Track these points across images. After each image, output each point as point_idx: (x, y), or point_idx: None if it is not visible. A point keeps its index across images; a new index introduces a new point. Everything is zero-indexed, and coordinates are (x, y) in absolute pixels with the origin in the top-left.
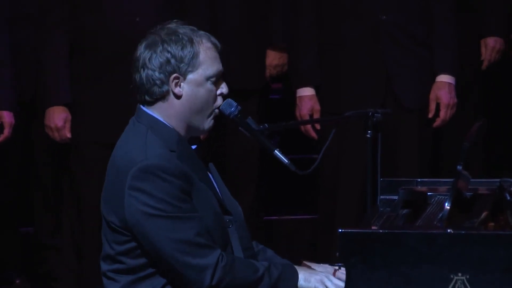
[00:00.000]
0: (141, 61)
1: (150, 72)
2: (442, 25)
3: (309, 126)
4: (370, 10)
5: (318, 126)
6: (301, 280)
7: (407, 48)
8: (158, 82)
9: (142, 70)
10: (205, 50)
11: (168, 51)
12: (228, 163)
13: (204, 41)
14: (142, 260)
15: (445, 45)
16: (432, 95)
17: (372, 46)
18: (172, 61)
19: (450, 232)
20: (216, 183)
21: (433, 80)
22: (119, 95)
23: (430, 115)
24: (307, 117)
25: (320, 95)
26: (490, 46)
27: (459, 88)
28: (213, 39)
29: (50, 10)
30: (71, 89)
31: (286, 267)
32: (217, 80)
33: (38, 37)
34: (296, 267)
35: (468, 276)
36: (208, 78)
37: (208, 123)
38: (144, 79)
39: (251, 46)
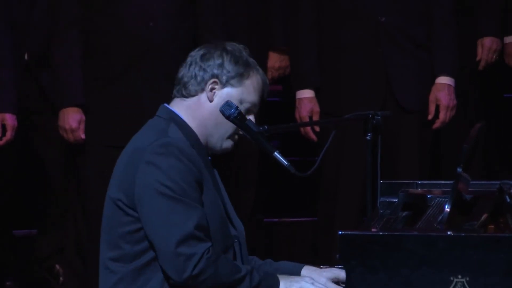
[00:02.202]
0: (193, 57)
1: (197, 67)
2: (442, 27)
3: (308, 128)
4: (370, 12)
5: (317, 128)
6: None
7: (406, 49)
8: (198, 78)
9: (190, 65)
10: (254, 80)
11: (223, 59)
12: (227, 165)
13: (259, 74)
14: (140, 247)
15: (444, 47)
16: (431, 97)
17: (371, 47)
18: (221, 67)
19: (450, 234)
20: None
21: (432, 81)
22: (129, 98)
23: (430, 117)
24: (306, 119)
25: (320, 96)
26: (487, 46)
27: (459, 90)
28: (266, 84)
29: (62, 11)
30: (84, 90)
31: (268, 275)
32: (249, 109)
33: (51, 39)
34: (279, 276)
35: (468, 278)
36: (242, 101)
37: (225, 142)
38: (188, 73)
39: (252, 48)
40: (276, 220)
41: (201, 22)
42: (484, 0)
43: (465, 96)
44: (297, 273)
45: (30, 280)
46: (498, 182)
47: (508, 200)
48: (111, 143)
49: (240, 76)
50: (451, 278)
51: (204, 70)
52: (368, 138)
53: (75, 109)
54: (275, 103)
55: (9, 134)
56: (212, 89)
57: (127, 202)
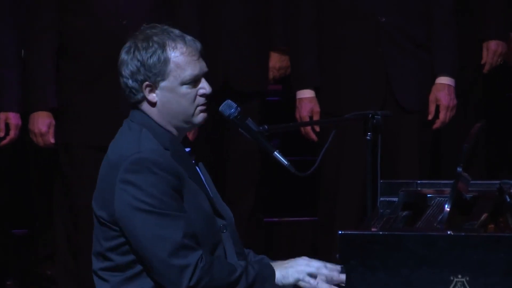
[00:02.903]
0: (119, 68)
1: (124, 80)
2: (442, 28)
3: (308, 128)
4: (370, 12)
5: (317, 128)
6: (279, 278)
7: (406, 50)
8: (133, 90)
9: (120, 76)
10: (178, 56)
11: (138, 60)
12: (228, 165)
13: (179, 46)
14: (130, 257)
15: (444, 47)
16: (431, 97)
17: (372, 48)
18: (142, 69)
19: (450, 234)
20: (207, 186)
21: (432, 82)
22: (109, 97)
23: (430, 117)
24: (307, 119)
25: (320, 97)
26: (492, 49)
27: (460, 90)
28: (190, 41)
29: (38, 13)
30: (58, 93)
31: (263, 266)
32: (194, 82)
33: (25, 41)
34: (272, 263)
35: (468, 278)
36: (182, 83)
37: (195, 119)
38: (123, 85)
39: (253, 48)
40: (276, 219)
41: (176, 18)
42: (488, 2)
43: (465, 96)
44: None
45: (30, 279)
46: (498, 181)
47: (508, 199)
48: (92, 144)
49: (164, 65)
50: (451, 278)
51: (132, 80)
52: (368, 137)
53: (44, 113)
54: (275, 103)
55: (13, 133)
56: (150, 92)
57: (109, 219)
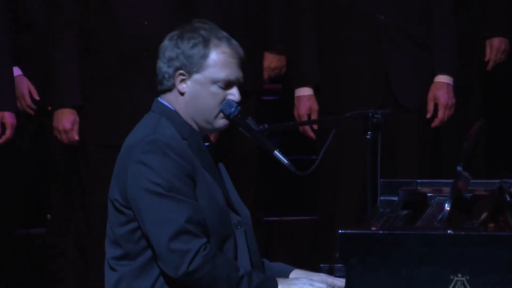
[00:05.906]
0: (160, 51)
1: (161, 64)
2: (442, 27)
3: (307, 126)
4: (369, 11)
5: (315, 126)
6: None
7: (406, 48)
8: (166, 75)
9: (158, 60)
10: (219, 54)
11: (179, 47)
12: (228, 164)
13: (222, 45)
14: (140, 245)
15: (444, 46)
16: (430, 95)
17: (371, 46)
18: (181, 57)
19: (450, 233)
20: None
21: (432, 80)
22: (126, 97)
23: (428, 115)
24: (305, 117)
25: (320, 95)
26: (496, 46)
27: (462, 89)
28: (234, 45)
29: (60, 12)
30: (80, 91)
31: (267, 279)
32: (226, 85)
33: (48, 39)
34: (278, 279)
35: (468, 277)
36: (214, 82)
37: (217, 123)
38: (158, 69)
39: (248, 47)
40: (276, 218)
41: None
42: (491, 0)
43: (466, 96)
44: (285, 275)
45: (31, 279)
46: (498, 181)
47: (508, 198)
48: (108, 143)
49: (202, 58)
50: (451, 277)
51: (168, 65)
52: (368, 136)
53: (69, 110)
54: (275, 102)
55: (8, 133)
56: (181, 81)
57: (123, 202)
